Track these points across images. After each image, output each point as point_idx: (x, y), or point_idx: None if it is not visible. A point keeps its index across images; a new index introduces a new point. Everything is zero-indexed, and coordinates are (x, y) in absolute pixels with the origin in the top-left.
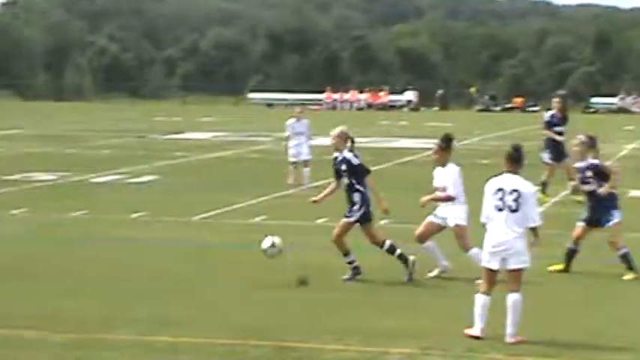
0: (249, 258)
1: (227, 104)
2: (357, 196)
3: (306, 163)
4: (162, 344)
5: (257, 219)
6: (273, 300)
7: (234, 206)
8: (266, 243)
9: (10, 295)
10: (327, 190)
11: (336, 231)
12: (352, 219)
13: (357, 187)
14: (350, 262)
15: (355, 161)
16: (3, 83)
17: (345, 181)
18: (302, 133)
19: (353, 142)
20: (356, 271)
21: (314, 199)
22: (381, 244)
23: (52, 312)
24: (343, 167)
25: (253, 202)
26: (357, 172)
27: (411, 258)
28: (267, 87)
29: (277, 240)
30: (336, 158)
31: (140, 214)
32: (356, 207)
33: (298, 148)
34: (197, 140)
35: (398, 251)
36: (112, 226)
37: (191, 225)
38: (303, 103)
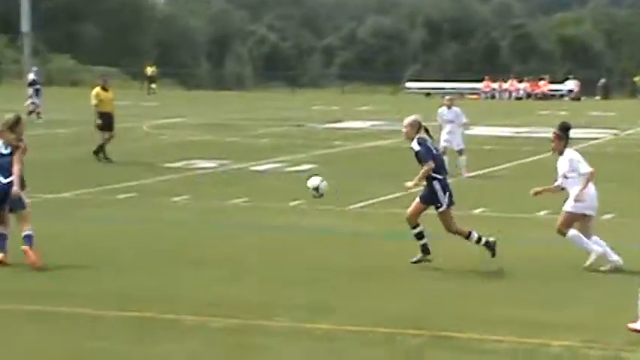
0: (404, 248)
1: (385, 93)
2: (436, 184)
3: (460, 152)
4: (321, 332)
5: None
6: (429, 289)
7: (391, 195)
8: (312, 183)
9: (173, 281)
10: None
11: (445, 226)
12: (444, 207)
13: (434, 175)
14: (478, 241)
15: (416, 148)
16: (168, 72)
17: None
18: (452, 121)
19: (427, 131)
20: (489, 245)
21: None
22: (415, 226)
23: (213, 298)
24: (415, 156)
25: (410, 191)
26: (420, 160)
27: (430, 257)
28: (425, 76)
29: (319, 182)
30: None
31: (299, 202)
32: (440, 195)
33: (450, 137)
34: (355, 129)
35: (424, 240)
36: (272, 213)
37: (348, 214)
38: (460, 93)
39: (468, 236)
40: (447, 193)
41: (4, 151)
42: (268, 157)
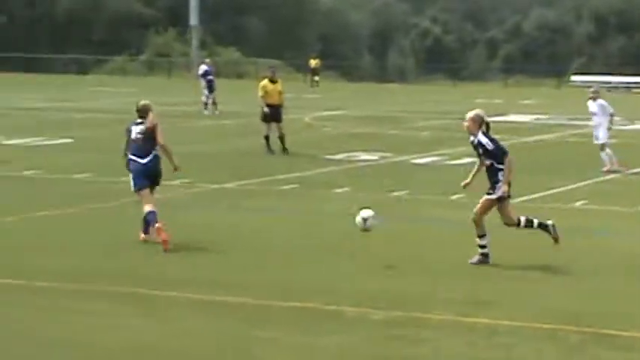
0: (568, 243)
1: (549, 87)
2: (500, 176)
3: (602, 146)
4: (482, 325)
5: (577, 204)
6: (590, 286)
7: (555, 190)
8: (362, 216)
9: (334, 272)
10: (474, 170)
11: (478, 208)
12: (494, 196)
13: (498, 166)
14: (482, 247)
15: (490, 146)
16: (330, 65)
17: (486, 162)
18: (595, 114)
19: (488, 126)
20: (484, 258)
21: (464, 182)
22: (517, 224)
23: (374, 290)
24: (480, 151)
25: (574, 186)
26: (495, 155)
27: (550, 222)
28: (590, 69)
29: (368, 218)
30: (473, 141)
31: (459, 195)
32: (499, 185)
33: (595, 131)
34: (518, 123)
35: (536, 221)
36: (432, 206)
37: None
38: (627, 87)
39: (481, 236)
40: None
41: (139, 135)
42: (429, 150)
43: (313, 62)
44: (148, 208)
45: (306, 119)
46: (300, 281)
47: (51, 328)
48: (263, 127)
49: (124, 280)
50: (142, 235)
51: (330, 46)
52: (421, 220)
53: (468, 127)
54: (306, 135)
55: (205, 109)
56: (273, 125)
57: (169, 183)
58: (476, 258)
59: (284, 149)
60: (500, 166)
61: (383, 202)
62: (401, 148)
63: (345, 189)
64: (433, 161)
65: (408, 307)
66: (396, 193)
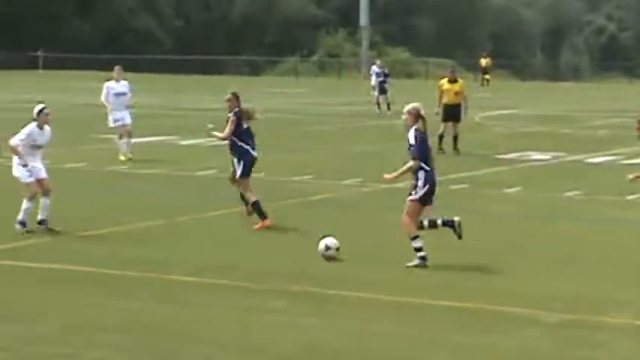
0: None
1: None
2: (421, 174)
3: None
4: None
5: None
6: None
7: None
8: (321, 246)
9: (505, 274)
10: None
11: (405, 214)
12: (416, 197)
13: (422, 165)
14: (417, 249)
15: (412, 141)
16: (502, 63)
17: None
18: None
19: (424, 120)
20: (422, 261)
21: (387, 176)
22: (420, 226)
23: (546, 291)
24: (407, 145)
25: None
26: (411, 154)
27: (456, 218)
28: None
29: (331, 242)
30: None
31: (636, 195)
32: (419, 185)
33: None
34: None
35: (439, 221)
36: (606, 206)
37: None
38: None
39: (414, 238)
40: (427, 187)
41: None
42: (604, 150)
43: (484, 61)
44: (254, 197)
45: (476, 119)
46: (472, 282)
47: (228, 328)
48: (440, 126)
49: (295, 279)
50: (264, 223)
51: (501, 45)
52: (596, 221)
53: (405, 121)
54: (477, 134)
55: (378, 108)
56: (450, 124)
57: (341, 182)
58: (415, 261)
59: (455, 148)
60: (423, 165)
61: (555, 202)
62: (574, 148)
63: (517, 189)
64: (607, 161)
65: (583, 309)
66: (569, 193)
